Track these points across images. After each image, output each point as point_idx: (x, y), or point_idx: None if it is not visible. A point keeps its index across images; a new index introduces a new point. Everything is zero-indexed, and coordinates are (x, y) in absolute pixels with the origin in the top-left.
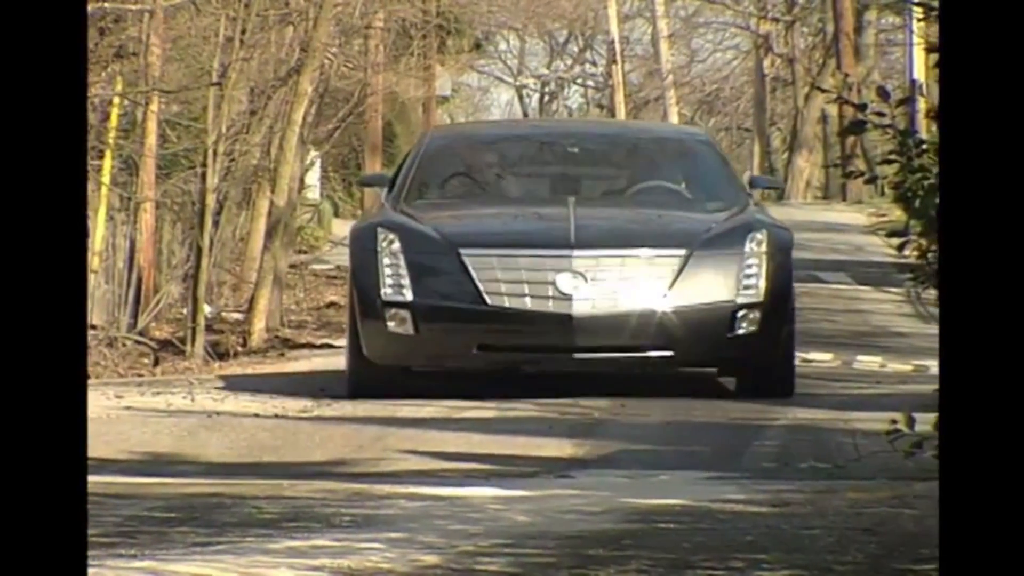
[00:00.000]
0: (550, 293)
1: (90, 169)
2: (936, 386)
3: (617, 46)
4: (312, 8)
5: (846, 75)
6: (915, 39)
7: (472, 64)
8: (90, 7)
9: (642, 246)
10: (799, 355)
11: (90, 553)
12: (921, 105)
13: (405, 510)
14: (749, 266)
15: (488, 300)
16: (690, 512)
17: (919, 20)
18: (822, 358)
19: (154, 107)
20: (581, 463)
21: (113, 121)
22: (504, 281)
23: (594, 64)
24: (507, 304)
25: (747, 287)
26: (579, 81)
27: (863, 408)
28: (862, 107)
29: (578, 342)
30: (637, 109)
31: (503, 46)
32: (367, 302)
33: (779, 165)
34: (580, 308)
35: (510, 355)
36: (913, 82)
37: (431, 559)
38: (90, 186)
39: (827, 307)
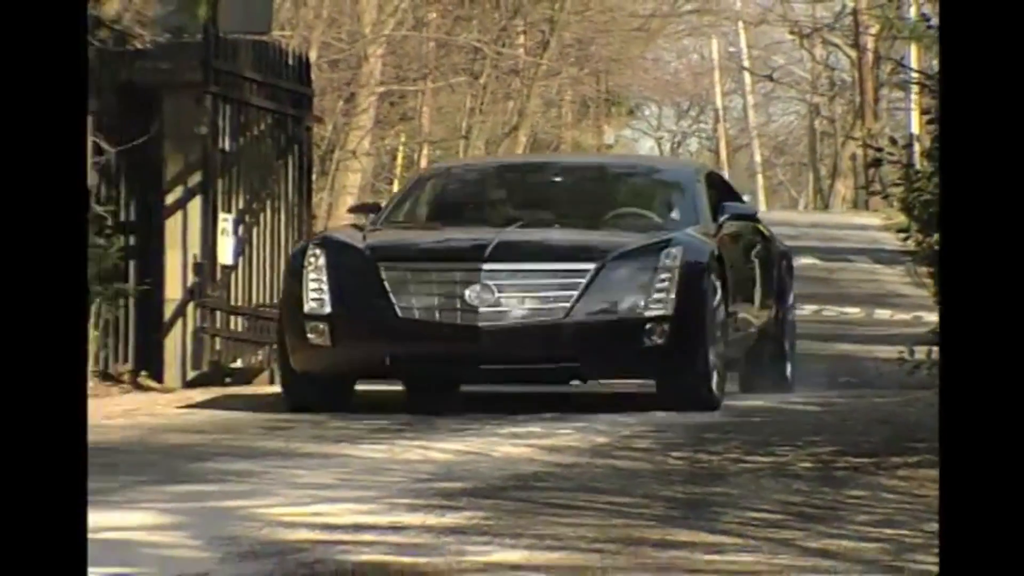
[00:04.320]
0: (458, 306)
1: (385, 192)
2: (928, 329)
3: (720, 111)
4: (525, 88)
5: (868, 129)
6: (912, 106)
7: (627, 123)
8: (383, 88)
9: (553, 260)
10: (832, 310)
11: (383, 436)
12: (917, 148)
13: (585, 408)
14: (661, 280)
15: (399, 313)
16: (768, 410)
17: (916, 94)
18: (852, 311)
19: (425, 152)
20: None
21: (399, 161)
22: (416, 295)
23: (705, 123)
24: (417, 316)
25: (657, 301)
26: (696, 134)
27: (880, 343)
28: (879, 150)
29: (484, 353)
30: (733, 152)
31: (647, 111)
32: (291, 315)
33: (825, 188)
34: (486, 320)
35: (420, 366)
36: (911, 134)
37: (602, 439)
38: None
39: (854, 278)
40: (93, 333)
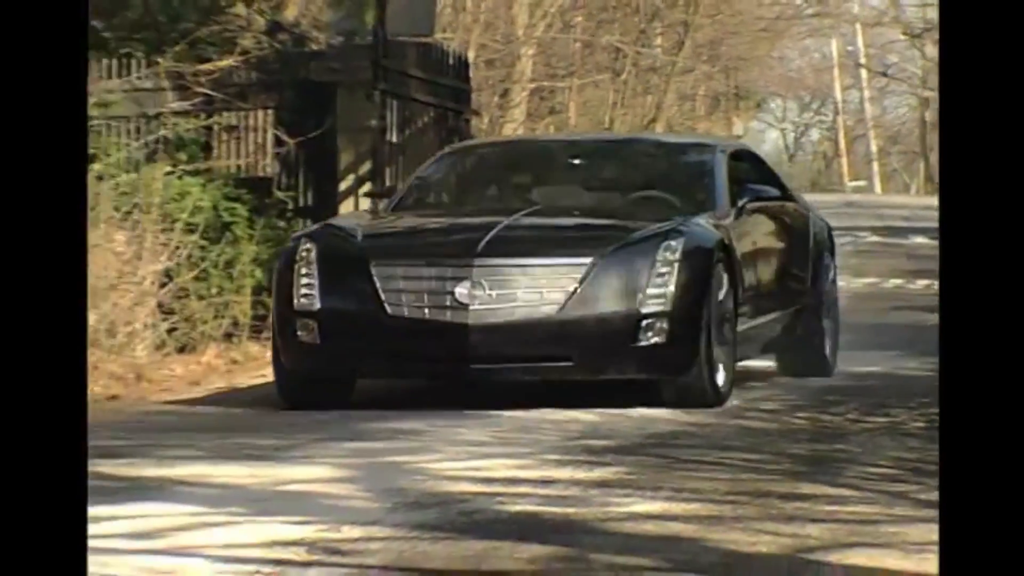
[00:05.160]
0: (447, 303)
1: None
2: None
3: (839, 104)
4: (662, 84)
5: None
6: None
7: (755, 115)
8: (534, 84)
9: (547, 255)
10: None
11: (535, 398)
12: None
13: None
14: (659, 275)
15: (388, 310)
16: (884, 376)
17: None
18: None
19: None
20: None
21: None
22: (406, 291)
23: (826, 115)
24: (406, 314)
25: (654, 296)
26: (817, 125)
27: None
28: None
29: (473, 352)
30: (851, 141)
31: (773, 104)
32: (282, 311)
33: (935, 174)
34: (476, 318)
35: (410, 365)
36: None
37: (733, 402)
38: None
39: None
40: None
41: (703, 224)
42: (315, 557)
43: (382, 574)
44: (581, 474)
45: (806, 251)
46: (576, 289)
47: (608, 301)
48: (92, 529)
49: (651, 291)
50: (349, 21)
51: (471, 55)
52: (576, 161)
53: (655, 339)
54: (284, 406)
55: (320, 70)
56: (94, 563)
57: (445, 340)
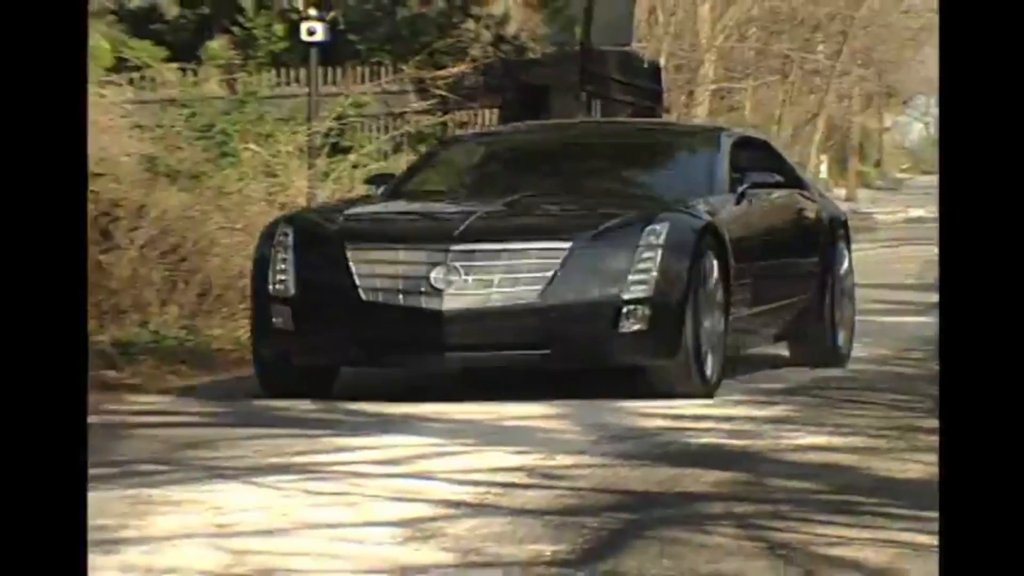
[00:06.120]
0: (423, 288)
1: None
2: None
3: None
4: (824, 85)
5: None
6: None
7: (902, 111)
8: (715, 86)
9: (525, 239)
10: None
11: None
12: None
13: (872, 327)
14: (642, 260)
15: (363, 296)
16: None
17: None
18: None
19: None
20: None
21: None
22: (381, 276)
23: None
24: (380, 299)
25: (636, 282)
26: None
27: None
28: None
29: (447, 339)
30: None
31: (917, 101)
32: (258, 296)
33: None
34: (450, 304)
35: (384, 353)
36: None
37: (885, 351)
38: None
39: None
40: None
41: (692, 209)
42: (534, 481)
43: (589, 495)
44: (756, 412)
45: (815, 240)
46: (555, 274)
47: (588, 287)
48: (346, 456)
49: (633, 276)
50: (561, 34)
51: (662, 61)
52: (575, 147)
53: (637, 326)
54: (265, 395)
55: (537, 75)
56: (348, 486)
57: (419, 327)
